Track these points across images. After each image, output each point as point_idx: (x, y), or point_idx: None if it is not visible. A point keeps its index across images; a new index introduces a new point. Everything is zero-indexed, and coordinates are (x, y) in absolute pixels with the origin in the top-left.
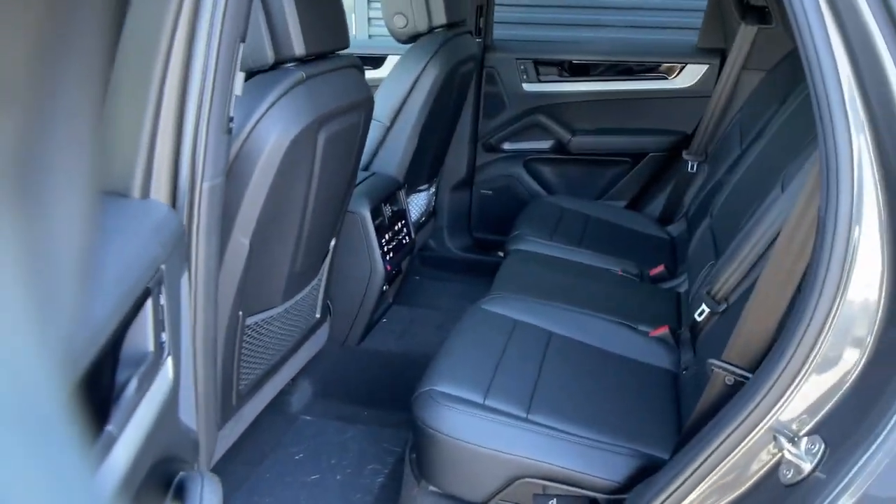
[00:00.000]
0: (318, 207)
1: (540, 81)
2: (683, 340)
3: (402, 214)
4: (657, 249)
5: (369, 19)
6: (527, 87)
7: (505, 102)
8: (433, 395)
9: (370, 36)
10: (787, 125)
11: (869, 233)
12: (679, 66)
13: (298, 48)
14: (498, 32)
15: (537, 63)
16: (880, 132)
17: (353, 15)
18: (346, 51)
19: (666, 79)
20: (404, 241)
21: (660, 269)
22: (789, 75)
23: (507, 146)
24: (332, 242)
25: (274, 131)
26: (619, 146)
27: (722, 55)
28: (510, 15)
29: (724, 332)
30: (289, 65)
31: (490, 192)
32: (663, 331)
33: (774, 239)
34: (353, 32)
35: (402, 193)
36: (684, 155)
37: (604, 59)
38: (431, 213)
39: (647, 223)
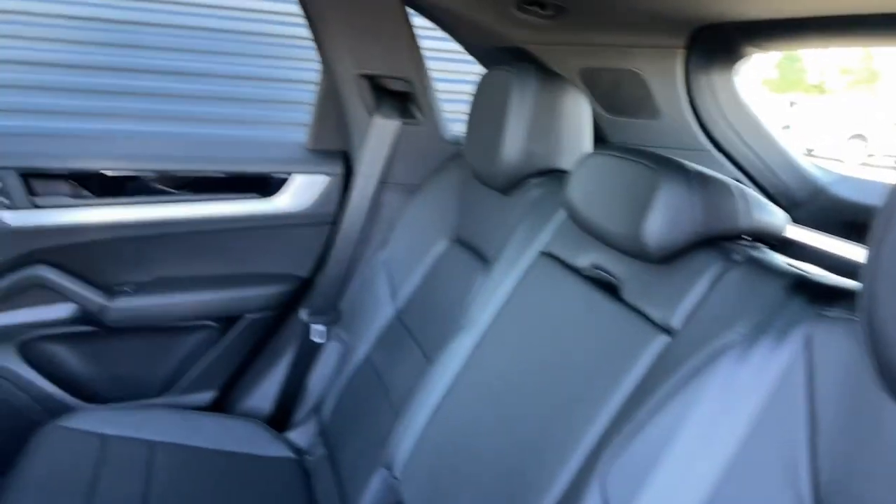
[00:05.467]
0: None
1: (36, 207)
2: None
3: None
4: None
5: None
6: (10, 217)
7: None
8: None
9: None
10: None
11: None
12: (282, 177)
13: None
14: None
15: (28, 176)
16: None
17: None
18: None
19: (262, 196)
20: None
21: None
22: (459, 196)
23: None
24: None
25: None
26: (194, 307)
27: (347, 161)
28: None
29: None
30: None
31: None
32: None
33: None
34: None
35: None
36: (305, 317)
37: (150, 169)
38: None
39: (255, 436)
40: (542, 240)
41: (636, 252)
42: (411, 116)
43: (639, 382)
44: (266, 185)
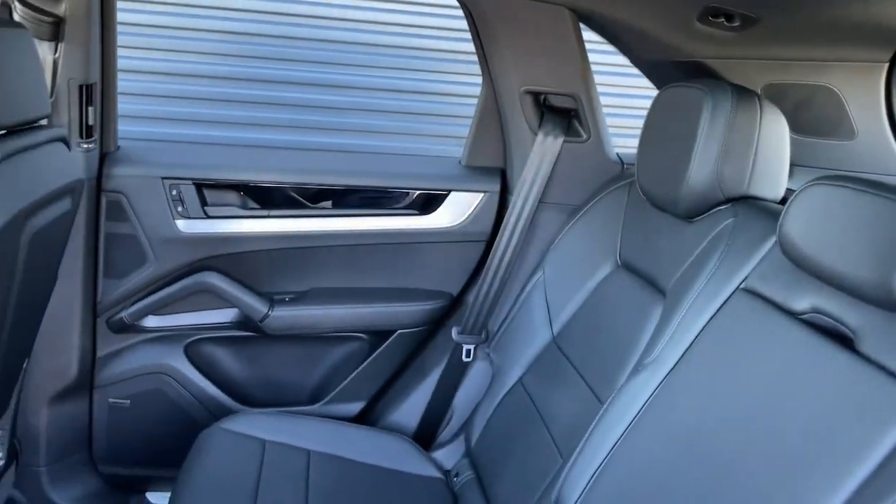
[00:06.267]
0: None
1: (208, 217)
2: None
3: None
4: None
5: None
6: (183, 225)
7: (144, 252)
8: None
9: None
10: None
11: None
12: (438, 193)
13: None
14: (127, 128)
15: (202, 186)
16: None
17: None
18: None
19: (418, 214)
20: None
21: None
22: (625, 219)
23: (152, 322)
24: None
25: None
26: (347, 319)
27: (504, 179)
28: (147, 107)
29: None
30: None
31: (126, 400)
32: None
33: None
34: None
35: None
36: (455, 335)
37: (313, 182)
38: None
39: (404, 453)
40: (741, 274)
41: (882, 301)
42: (576, 134)
43: (890, 454)
44: (422, 201)
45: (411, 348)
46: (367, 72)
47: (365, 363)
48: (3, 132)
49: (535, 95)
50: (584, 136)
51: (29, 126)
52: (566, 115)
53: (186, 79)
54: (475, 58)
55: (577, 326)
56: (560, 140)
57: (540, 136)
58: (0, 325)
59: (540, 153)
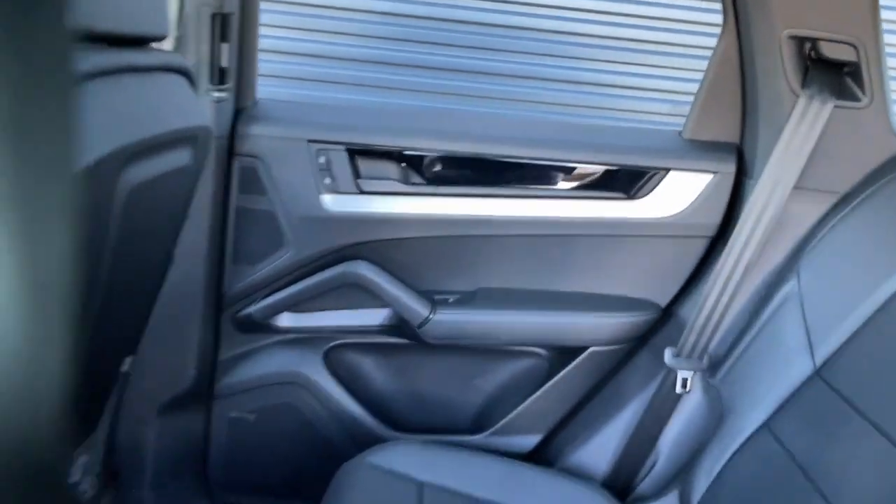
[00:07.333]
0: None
1: (361, 192)
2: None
3: None
4: None
5: None
6: (331, 202)
7: (282, 233)
8: None
9: None
10: None
11: None
12: (652, 174)
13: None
14: (268, 88)
15: (355, 153)
16: None
17: None
18: None
19: (626, 198)
20: None
21: None
22: None
23: (286, 321)
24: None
25: None
26: (526, 330)
27: (739, 157)
28: (302, 67)
29: None
30: None
31: (251, 414)
32: None
33: None
34: None
35: None
36: (669, 358)
37: (493, 154)
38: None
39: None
40: None
41: None
42: (850, 97)
43: None
44: (629, 182)
45: (605, 371)
46: (535, 60)
47: (545, 387)
48: (102, 44)
49: (801, 42)
50: (864, 101)
51: (139, 44)
52: (838, 70)
53: (340, 62)
54: (647, 47)
55: (855, 356)
56: (830, 105)
57: (803, 99)
58: (87, 300)
59: (800, 122)
